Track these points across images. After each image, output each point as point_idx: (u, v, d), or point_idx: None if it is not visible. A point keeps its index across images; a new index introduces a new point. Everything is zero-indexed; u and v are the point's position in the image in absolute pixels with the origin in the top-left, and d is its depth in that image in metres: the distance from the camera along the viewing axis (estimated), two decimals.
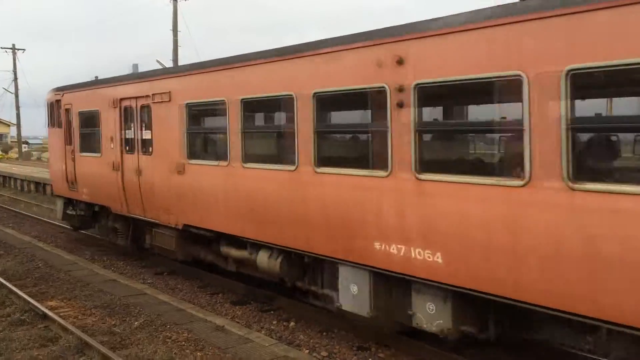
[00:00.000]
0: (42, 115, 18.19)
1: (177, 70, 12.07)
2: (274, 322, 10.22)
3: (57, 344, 8.66)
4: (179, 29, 34.20)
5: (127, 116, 13.17)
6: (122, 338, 8.87)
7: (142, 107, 12.54)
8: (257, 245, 10.02)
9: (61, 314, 9.86)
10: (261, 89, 9.46)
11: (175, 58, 33.78)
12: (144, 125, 12.57)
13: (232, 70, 10.06)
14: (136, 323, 9.56)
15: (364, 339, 9.21)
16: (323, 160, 8.59)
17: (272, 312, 10.73)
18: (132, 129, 12.99)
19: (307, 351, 8.84)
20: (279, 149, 9.98)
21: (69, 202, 16.71)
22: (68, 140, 15.86)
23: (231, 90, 10.01)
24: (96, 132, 14.36)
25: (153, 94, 12.06)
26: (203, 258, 12.04)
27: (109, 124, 13.71)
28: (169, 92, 11.57)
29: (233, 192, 10.06)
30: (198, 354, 8.23)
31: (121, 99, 13.25)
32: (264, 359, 8.01)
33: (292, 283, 9.87)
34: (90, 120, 14.73)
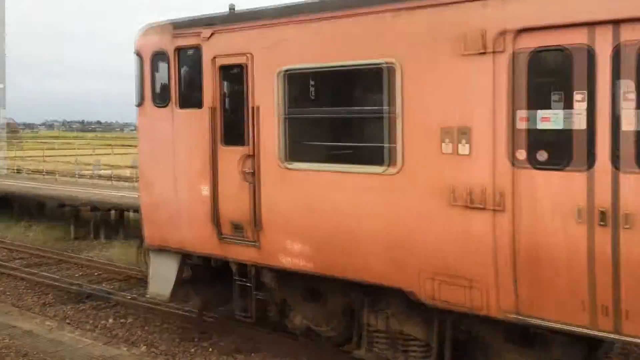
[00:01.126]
0: None
1: None
2: (110, 320, 9.88)
3: None
4: None
5: (558, 72, 5.49)
6: None
7: None
8: None
9: None
10: None
11: None
12: None
13: None
14: None
15: (188, 331, 9.07)
16: None
17: (108, 309, 10.37)
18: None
19: (145, 347, 8.62)
20: None
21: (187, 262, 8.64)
22: (224, 134, 7.69)
23: None
24: (378, 115, 6.43)
25: None
26: None
27: (449, 99, 5.87)
28: None
29: None
30: None
31: (520, 31, 5.43)
32: None
33: None
34: (340, 90, 7.27)
